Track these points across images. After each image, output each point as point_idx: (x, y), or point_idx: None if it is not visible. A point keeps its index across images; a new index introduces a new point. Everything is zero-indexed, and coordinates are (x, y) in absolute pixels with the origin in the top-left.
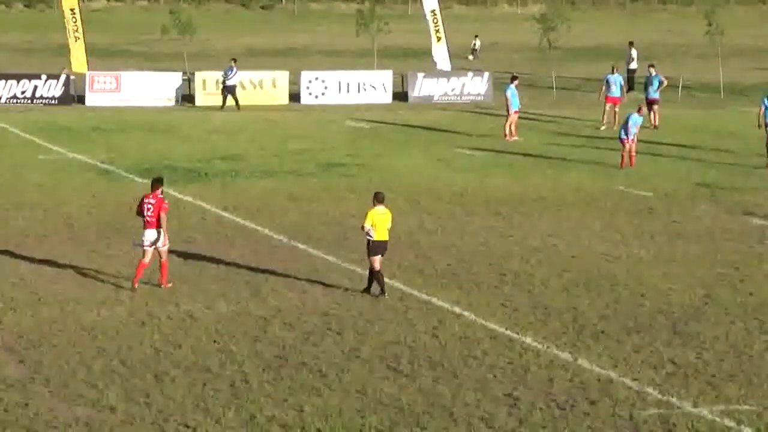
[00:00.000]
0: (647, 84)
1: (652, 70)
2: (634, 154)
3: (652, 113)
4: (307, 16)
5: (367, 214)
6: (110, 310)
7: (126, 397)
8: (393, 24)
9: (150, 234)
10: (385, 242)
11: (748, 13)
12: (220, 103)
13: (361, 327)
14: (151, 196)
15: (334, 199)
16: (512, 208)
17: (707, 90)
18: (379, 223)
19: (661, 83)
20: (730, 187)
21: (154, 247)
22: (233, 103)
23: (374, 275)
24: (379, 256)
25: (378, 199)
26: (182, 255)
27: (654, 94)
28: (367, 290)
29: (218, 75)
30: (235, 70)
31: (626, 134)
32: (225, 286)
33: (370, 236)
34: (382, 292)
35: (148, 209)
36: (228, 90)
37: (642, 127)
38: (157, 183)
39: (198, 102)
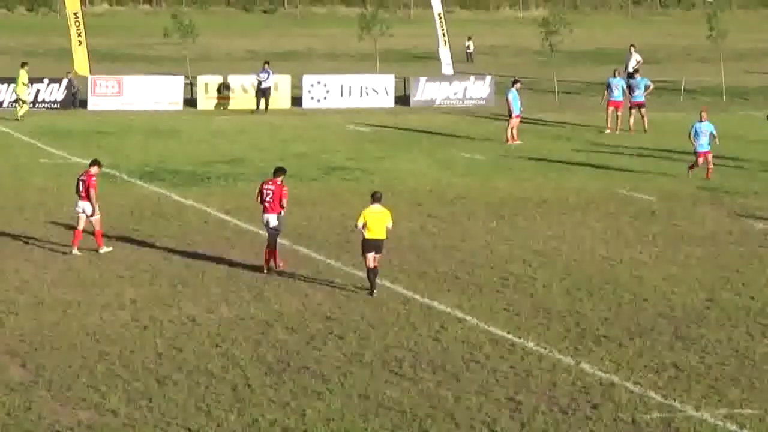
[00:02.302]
0: (633, 87)
1: (636, 74)
2: (711, 166)
3: (641, 117)
4: (309, 20)
5: (360, 213)
6: (113, 313)
7: (128, 400)
8: (395, 28)
9: (268, 218)
10: (377, 240)
11: (750, 17)
12: (255, 106)
13: (363, 331)
14: (270, 182)
15: (336, 202)
16: (514, 212)
17: (709, 93)
18: (372, 221)
19: (647, 87)
20: (732, 190)
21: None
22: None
23: (368, 272)
24: (372, 253)
25: (374, 198)
26: (184, 258)
27: (639, 97)
28: (370, 292)
29: (218, 78)
30: (269, 72)
31: (699, 146)
32: (227, 290)
33: (363, 234)
34: (371, 290)
35: (267, 194)
36: (263, 92)
37: (636, 131)
38: (279, 171)
39: (233, 105)
